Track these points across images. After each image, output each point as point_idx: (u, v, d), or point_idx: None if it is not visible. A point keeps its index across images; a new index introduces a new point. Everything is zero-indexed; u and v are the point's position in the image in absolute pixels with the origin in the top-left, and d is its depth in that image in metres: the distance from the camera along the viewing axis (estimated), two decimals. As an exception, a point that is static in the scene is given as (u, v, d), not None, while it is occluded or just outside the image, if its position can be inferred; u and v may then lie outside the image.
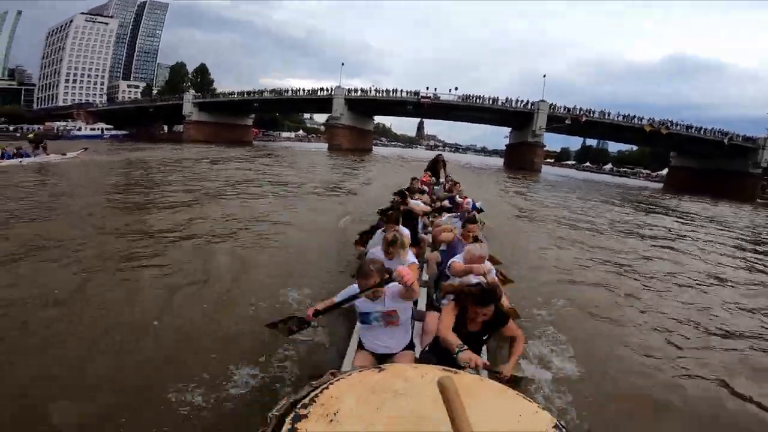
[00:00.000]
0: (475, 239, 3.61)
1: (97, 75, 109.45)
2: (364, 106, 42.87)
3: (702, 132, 39.66)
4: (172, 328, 3.35)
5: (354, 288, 2.35)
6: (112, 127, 52.70)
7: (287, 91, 44.14)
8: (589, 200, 18.87)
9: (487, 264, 3.11)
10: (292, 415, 1.22)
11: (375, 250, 3.37)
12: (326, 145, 50.29)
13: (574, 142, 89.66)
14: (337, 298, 2.44)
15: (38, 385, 2.51)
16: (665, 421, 2.86)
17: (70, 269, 4.49)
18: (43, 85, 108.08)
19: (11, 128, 50.89)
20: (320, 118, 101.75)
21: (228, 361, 2.82)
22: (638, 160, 72.46)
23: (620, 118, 40.42)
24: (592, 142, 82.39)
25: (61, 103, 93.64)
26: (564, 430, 1.27)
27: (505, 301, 3.00)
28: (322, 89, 41.93)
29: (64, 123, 54.57)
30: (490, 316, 2.23)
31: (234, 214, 8.03)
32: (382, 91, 41.20)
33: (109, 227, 6.35)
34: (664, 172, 54.32)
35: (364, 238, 4.81)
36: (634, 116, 40.30)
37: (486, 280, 2.80)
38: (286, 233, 6.86)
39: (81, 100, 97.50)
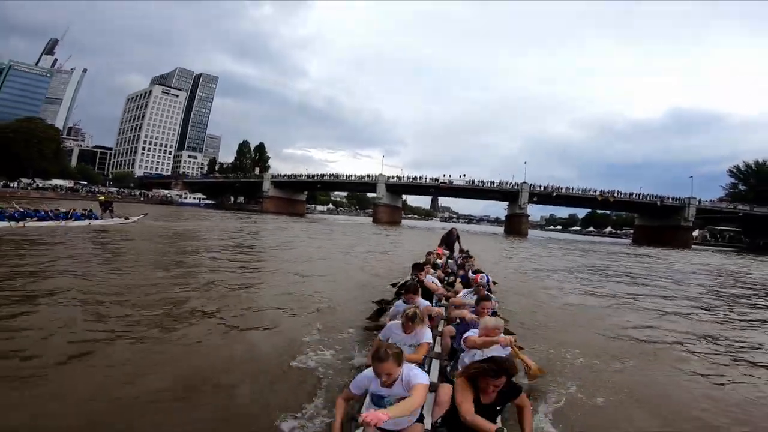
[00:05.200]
0: (494, 314, 3.77)
1: (166, 144, 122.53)
2: (398, 188, 59.09)
3: (640, 197, 53.46)
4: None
5: (366, 376, 2.45)
6: (205, 197, 70.02)
7: (342, 175, 61.03)
8: (550, 250, 30.15)
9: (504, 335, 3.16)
10: None
11: (393, 324, 3.49)
12: (361, 217, 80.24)
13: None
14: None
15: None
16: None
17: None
18: (119, 150, 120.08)
19: (137, 192, 68.47)
20: (341, 193, 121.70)
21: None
22: (630, 222, 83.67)
23: (579, 191, 55.61)
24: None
25: (137, 171, 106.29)
26: None
27: (528, 361, 3.28)
28: (368, 176, 58.69)
29: (167, 191, 72.18)
30: (504, 387, 2.33)
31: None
32: (412, 177, 57.75)
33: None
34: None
35: (378, 313, 5.42)
36: (590, 189, 55.70)
37: (510, 351, 2.94)
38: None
39: (154, 168, 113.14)
